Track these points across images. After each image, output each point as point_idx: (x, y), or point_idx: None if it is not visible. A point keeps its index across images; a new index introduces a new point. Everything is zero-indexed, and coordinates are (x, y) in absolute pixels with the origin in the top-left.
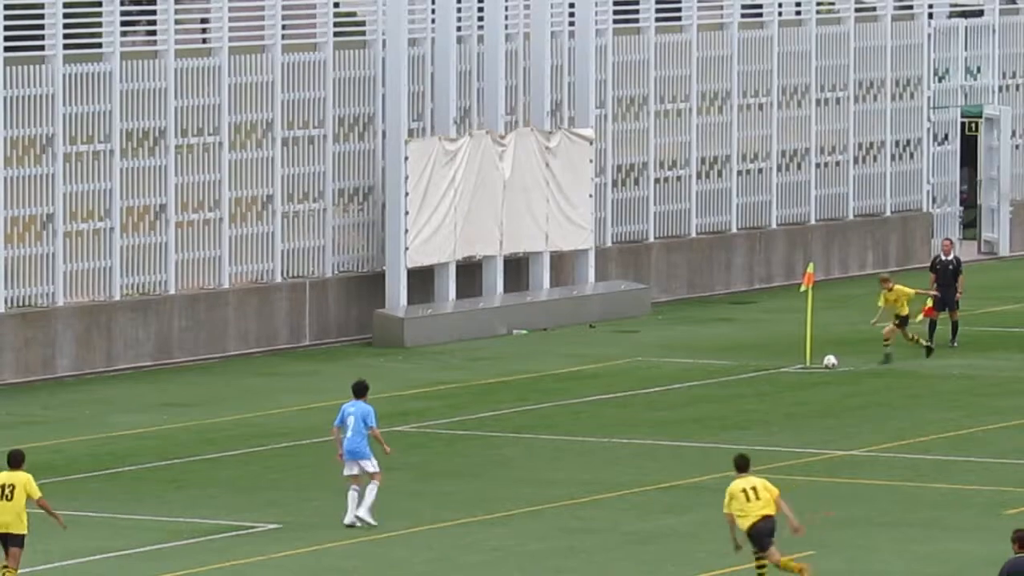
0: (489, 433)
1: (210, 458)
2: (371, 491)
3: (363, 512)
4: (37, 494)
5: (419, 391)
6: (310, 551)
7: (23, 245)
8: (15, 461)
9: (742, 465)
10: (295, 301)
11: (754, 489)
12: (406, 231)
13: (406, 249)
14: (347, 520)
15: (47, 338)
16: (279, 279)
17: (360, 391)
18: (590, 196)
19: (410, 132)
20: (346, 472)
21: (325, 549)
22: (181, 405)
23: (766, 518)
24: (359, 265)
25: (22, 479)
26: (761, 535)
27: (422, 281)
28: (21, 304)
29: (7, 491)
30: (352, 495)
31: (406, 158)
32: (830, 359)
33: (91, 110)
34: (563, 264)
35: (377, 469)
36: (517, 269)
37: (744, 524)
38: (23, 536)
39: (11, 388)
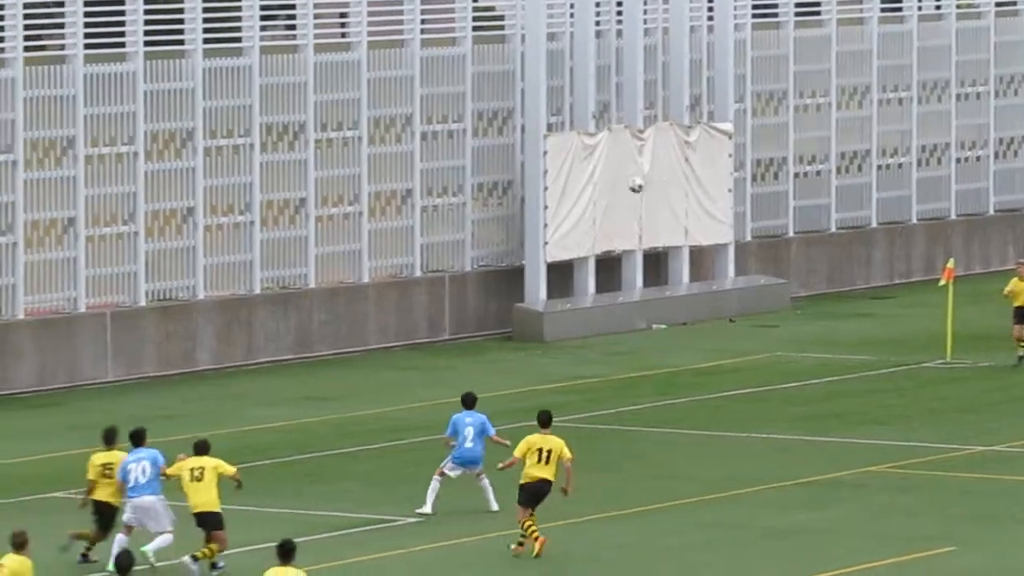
0: (627, 428)
1: (348, 452)
2: (485, 482)
3: (491, 500)
4: (231, 470)
5: (557, 385)
6: (447, 545)
7: (164, 239)
8: (201, 450)
9: (545, 420)
10: (434, 295)
11: (549, 452)
12: (545, 225)
13: (545, 243)
14: (428, 509)
15: (188, 332)
16: (418, 273)
17: (470, 402)
18: (729, 191)
19: (549, 127)
20: (451, 474)
21: (461, 543)
22: (320, 399)
23: (543, 481)
24: (498, 259)
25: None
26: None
27: (561, 275)
28: (162, 298)
29: (196, 472)
30: (436, 484)
31: (545, 152)
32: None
33: (231, 104)
34: (702, 259)
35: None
36: (656, 264)
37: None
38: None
39: (151, 381)
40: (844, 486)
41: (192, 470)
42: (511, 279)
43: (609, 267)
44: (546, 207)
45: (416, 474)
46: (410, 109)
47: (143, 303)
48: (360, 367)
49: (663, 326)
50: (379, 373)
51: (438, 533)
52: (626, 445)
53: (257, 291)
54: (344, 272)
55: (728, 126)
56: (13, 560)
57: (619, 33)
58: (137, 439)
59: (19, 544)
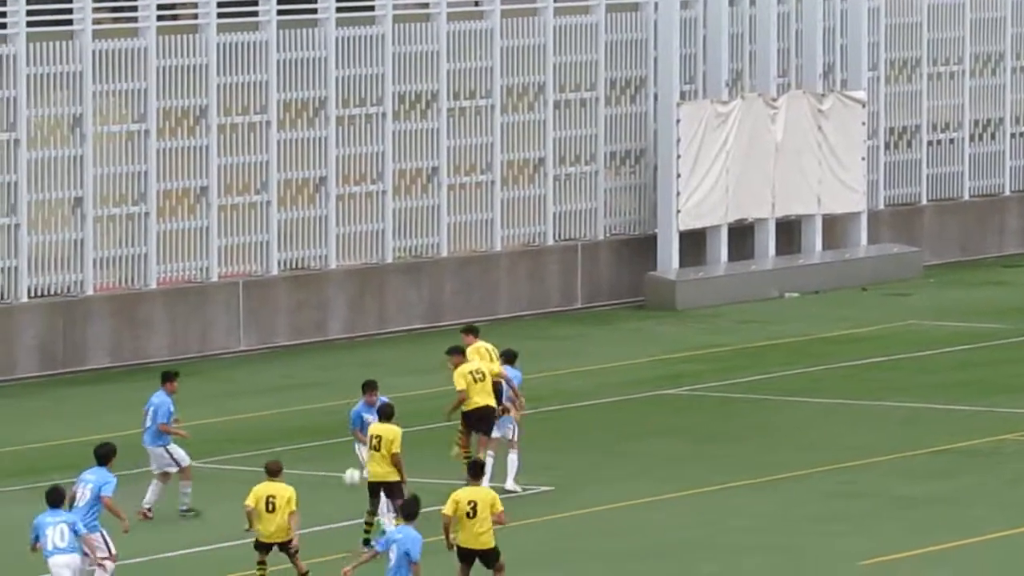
0: (759, 396)
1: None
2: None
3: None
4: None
5: (690, 354)
6: (581, 513)
7: (296, 208)
8: (385, 415)
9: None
10: (566, 264)
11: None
12: (678, 194)
13: (678, 212)
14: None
15: (319, 301)
16: (551, 242)
17: None
18: (862, 159)
19: (682, 95)
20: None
21: (595, 512)
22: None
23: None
24: (630, 228)
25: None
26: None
27: (693, 244)
28: (294, 267)
29: (374, 442)
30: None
31: (678, 121)
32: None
33: (364, 73)
34: (835, 227)
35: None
36: (789, 232)
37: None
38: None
39: (283, 351)
40: (977, 455)
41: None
42: (643, 247)
43: (741, 235)
44: (679, 175)
45: (550, 443)
46: (543, 78)
47: (275, 272)
48: (492, 336)
49: (795, 294)
50: (511, 342)
51: (570, 503)
52: (758, 414)
53: (389, 260)
54: (476, 241)
55: (861, 94)
56: (271, 487)
57: (752, 1)
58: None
59: (274, 471)
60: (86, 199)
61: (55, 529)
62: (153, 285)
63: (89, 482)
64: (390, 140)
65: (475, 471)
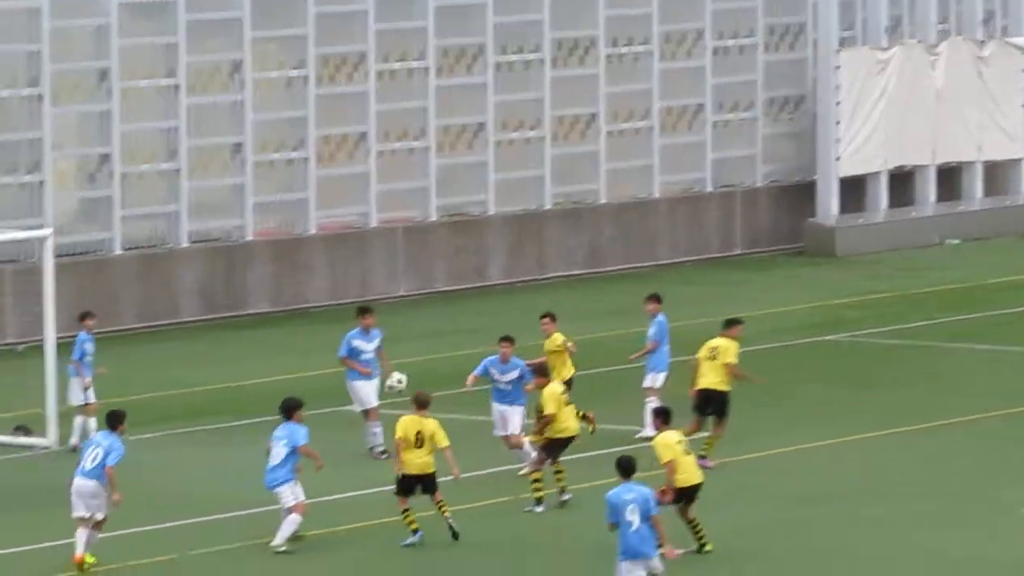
0: (919, 343)
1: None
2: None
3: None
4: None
5: (851, 300)
6: (745, 459)
7: (455, 154)
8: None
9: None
10: (725, 210)
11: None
12: (837, 140)
13: (837, 159)
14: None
15: (478, 246)
16: (709, 188)
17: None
18: (1023, 106)
19: (841, 42)
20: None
21: (759, 458)
22: (612, 313)
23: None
24: (789, 175)
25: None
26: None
27: (853, 190)
28: (453, 213)
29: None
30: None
31: (837, 67)
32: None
33: (521, 20)
34: (995, 174)
35: None
36: (949, 178)
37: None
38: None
39: (442, 296)
40: None
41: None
42: (802, 194)
43: (902, 182)
44: (838, 122)
45: None
46: (701, 24)
47: (434, 218)
48: (650, 282)
49: (956, 241)
50: (670, 288)
51: (729, 450)
52: (921, 360)
53: (548, 206)
54: (635, 187)
55: (1022, 41)
56: (419, 421)
57: None
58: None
59: (423, 403)
60: (246, 145)
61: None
62: (313, 231)
63: (281, 439)
64: (548, 87)
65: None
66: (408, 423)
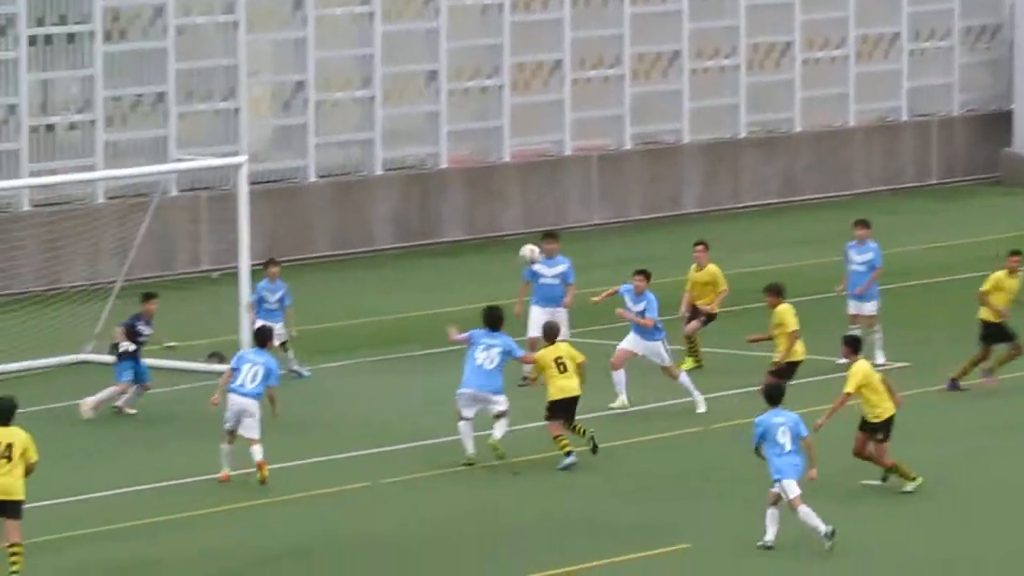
0: None
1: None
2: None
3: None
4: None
5: None
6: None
7: (649, 82)
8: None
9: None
10: (921, 139)
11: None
12: None
13: None
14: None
15: (673, 175)
16: (905, 117)
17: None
18: None
19: None
20: None
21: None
22: (807, 242)
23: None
24: (986, 104)
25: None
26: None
27: None
28: (648, 141)
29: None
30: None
31: None
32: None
33: None
34: None
35: None
36: None
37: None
38: None
39: (636, 224)
40: None
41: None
42: (999, 123)
43: None
44: None
45: (907, 319)
46: None
47: (628, 146)
48: (846, 211)
49: None
50: (866, 216)
51: (927, 379)
52: None
53: (742, 135)
54: (830, 116)
55: None
56: (557, 348)
57: None
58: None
59: (552, 335)
60: (440, 72)
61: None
62: (507, 158)
63: (494, 345)
64: (743, 15)
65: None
66: (546, 353)
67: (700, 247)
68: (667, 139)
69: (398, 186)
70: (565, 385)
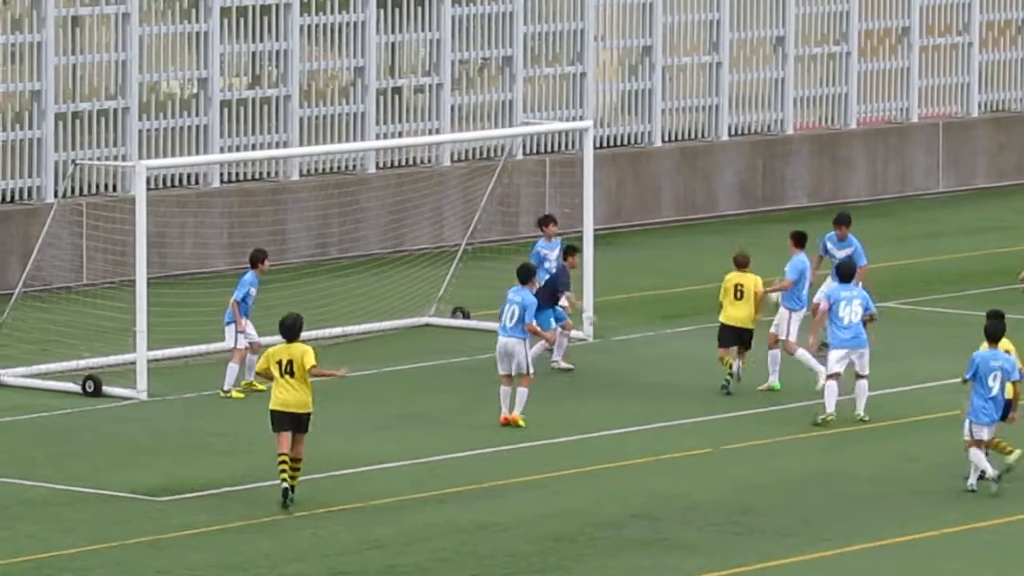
0: None
1: None
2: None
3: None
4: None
5: None
6: None
7: (1000, 49)
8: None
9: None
10: None
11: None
12: None
13: None
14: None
15: (1021, 143)
16: None
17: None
18: None
19: None
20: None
21: None
22: None
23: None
24: None
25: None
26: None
27: None
28: (995, 108)
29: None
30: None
31: None
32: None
33: None
34: None
35: None
36: None
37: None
38: None
39: (982, 192)
40: None
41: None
42: None
43: None
44: None
45: None
46: None
47: (976, 114)
48: None
49: None
50: None
51: None
52: None
53: None
54: None
55: None
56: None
57: None
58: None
59: (742, 263)
60: (788, 38)
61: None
62: (853, 125)
63: (856, 297)
64: None
65: None
66: (729, 279)
67: None
68: (1016, 107)
69: (744, 152)
70: (734, 314)
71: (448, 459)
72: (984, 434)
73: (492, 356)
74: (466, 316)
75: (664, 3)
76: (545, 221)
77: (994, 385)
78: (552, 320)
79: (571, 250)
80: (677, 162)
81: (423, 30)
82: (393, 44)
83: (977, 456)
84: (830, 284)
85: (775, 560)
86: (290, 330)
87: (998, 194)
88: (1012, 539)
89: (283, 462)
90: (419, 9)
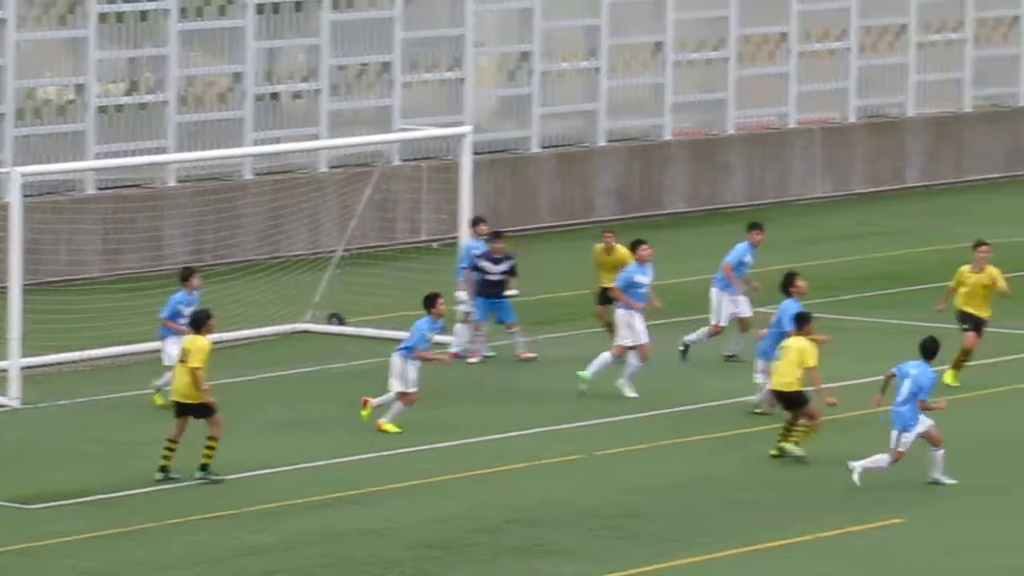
0: None
1: None
2: None
3: None
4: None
5: None
6: None
7: (876, 55)
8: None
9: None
10: None
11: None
12: None
13: None
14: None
15: (897, 148)
16: None
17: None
18: None
19: None
20: None
21: None
22: None
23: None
24: None
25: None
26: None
27: None
28: (872, 114)
29: None
30: None
31: None
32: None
33: None
34: None
35: None
36: None
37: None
38: None
39: (859, 198)
40: None
41: None
42: None
43: None
44: None
45: None
46: None
47: (853, 119)
48: None
49: None
50: None
51: None
52: None
53: (967, 109)
54: None
55: None
56: None
57: None
58: None
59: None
60: (666, 44)
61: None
62: (731, 131)
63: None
64: None
65: None
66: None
67: (986, 248)
68: (891, 112)
69: (621, 158)
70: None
71: (327, 465)
72: (893, 440)
73: (369, 361)
74: (342, 322)
75: (543, 8)
76: (475, 222)
77: (903, 391)
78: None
79: (483, 229)
80: (555, 168)
81: (301, 35)
82: (271, 50)
83: (876, 459)
84: None
85: (653, 564)
86: (196, 322)
87: (876, 199)
88: (886, 543)
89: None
90: (298, 15)
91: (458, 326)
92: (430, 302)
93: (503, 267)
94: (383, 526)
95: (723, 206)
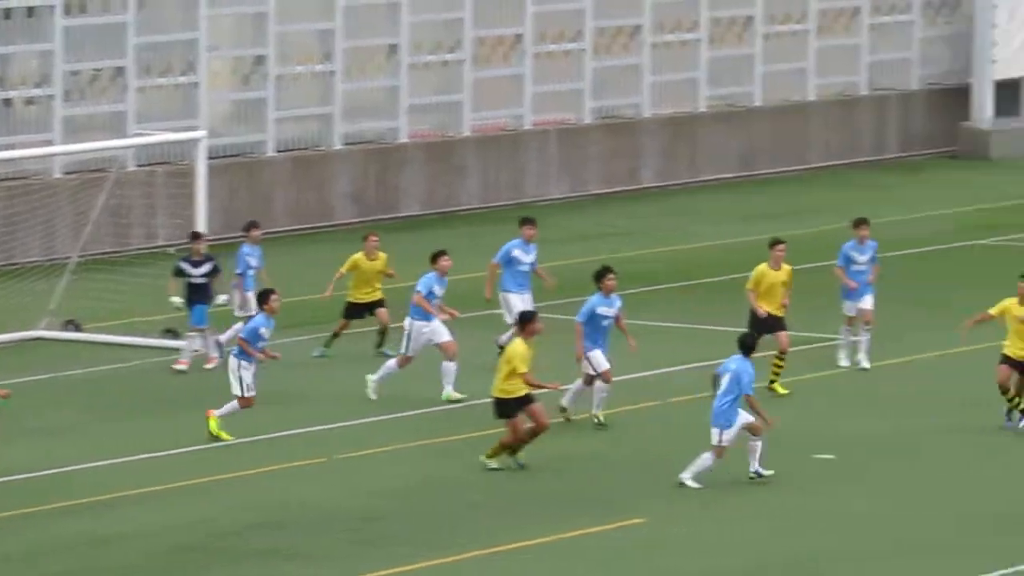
0: None
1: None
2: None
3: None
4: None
5: (1004, 204)
6: (902, 362)
7: (611, 56)
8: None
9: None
10: (879, 112)
11: None
12: (993, 44)
13: (993, 61)
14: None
15: (632, 149)
16: (864, 92)
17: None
18: None
19: None
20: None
21: (916, 360)
22: (762, 217)
23: None
24: (945, 78)
25: None
26: None
27: (1009, 94)
28: (607, 115)
29: None
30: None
31: None
32: None
33: None
34: None
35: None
36: None
37: None
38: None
39: (594, 199)
40: None
41: None
42: (958, 97)
43: None
44: (994, 25)
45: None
46: None
47: (588, 120)
48: (803, 185)
49: None
50: (821, 192)
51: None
52: None
53: (702, 109)
54: (790, 90)
55: None
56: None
57: None
58: None
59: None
60: (401, 46)
61: None
62: (467, 133)
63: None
64: None
65: None
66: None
67: (782, 247)
68: (627, 113)
69: (357, 161)
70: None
71: (70, 471)
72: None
73: (107, 368)
74: (78, 328)
75: (277, 12)
76: (248, 227)
77: (720, 385)
78: None
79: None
80: (291, 171)
81: (34, 41)
82: (3, 55)
83: (703, 458)
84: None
85: (396, 567)
86: None
87: (611, 200)
88: (625, 543)
89: None
90: (30, 20)
91: (188, 334)
92: (263, 299)
93: (203, 269)
94: (129, 531)
95: (458, 208)
